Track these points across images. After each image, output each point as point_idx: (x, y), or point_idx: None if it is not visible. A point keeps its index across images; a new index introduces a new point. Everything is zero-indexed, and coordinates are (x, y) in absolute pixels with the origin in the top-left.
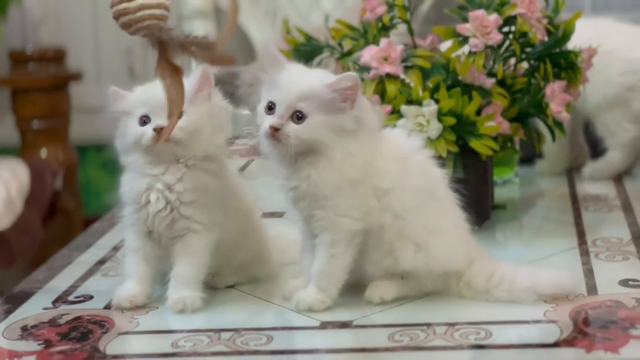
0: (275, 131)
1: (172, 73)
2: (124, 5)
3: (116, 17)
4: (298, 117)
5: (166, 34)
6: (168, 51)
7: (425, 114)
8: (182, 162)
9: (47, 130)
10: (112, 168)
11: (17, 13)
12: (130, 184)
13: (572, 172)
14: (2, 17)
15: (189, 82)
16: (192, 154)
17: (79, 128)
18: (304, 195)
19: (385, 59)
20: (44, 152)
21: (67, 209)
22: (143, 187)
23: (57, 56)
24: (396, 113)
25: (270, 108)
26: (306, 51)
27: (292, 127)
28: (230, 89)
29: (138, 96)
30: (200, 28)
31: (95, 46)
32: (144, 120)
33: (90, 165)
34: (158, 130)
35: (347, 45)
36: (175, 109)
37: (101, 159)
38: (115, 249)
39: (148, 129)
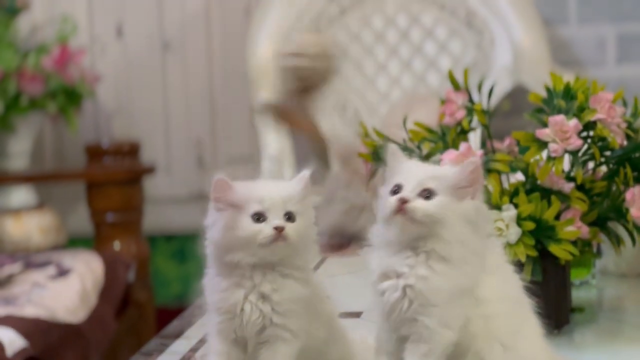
0: (403, 204)
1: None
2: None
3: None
4: (426, 196)
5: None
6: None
7: (505, 219)
8: (277, 271)
9: (121, 223)
10: (181, 258)
11: (90, 106)
12: (224, 294)
13: None
14: (77, 110)
15: (295, 186)
16: (294, 260)
17: (149, 218)
18: (415, 297)
19: None
20: (117, 245)
21: (139, 301)
22: (240, 297)
23: (132, 150)
24: None
25: (396, 192)
26: (384, 153)
27: (420, 202)
28: None
29: (252, 192)
30: (272, 122)
31: (166, 138)
32: (258, 217)
33: (159, 255)
34: (279, 230)
35: (426, 148)
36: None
37: (170, 249)
38: (193, 350)
39: (267, 227)
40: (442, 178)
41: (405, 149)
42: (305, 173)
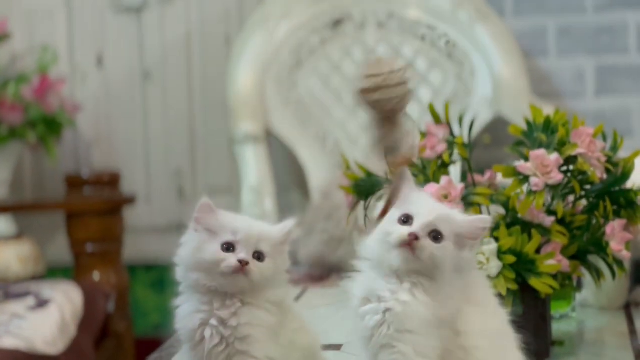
0: (413, 240)
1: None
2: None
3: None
4: (435, 236)
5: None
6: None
7: (485, 252)
8: (237, 299)
9: (100, 253)
10: (160, 288)
11: (70, 135)
12: (184, 321)
13: (630, 307)
14: (57, 139)
15: (277, 230)
16: (255, 295)
17: (129, 248)
18: (392, 321)
19: (446, 197)
20: (96, 275)
21: (119, 332)
22: (197, 323)
23: (112, 180)
24: None
25: (405, 222)
26: (366, 186)
27: (429, 243)
28: None
29: (230, 222)
30: (252, 153)
31: (146, 168)
32: (227, 247)
33: (139, 285)
34: (243, 264)
35: None
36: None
37: (149, 279)
38: None
39: (232, 258)
40: (453, 223)
41: (388, 182)
42: (290, 223)
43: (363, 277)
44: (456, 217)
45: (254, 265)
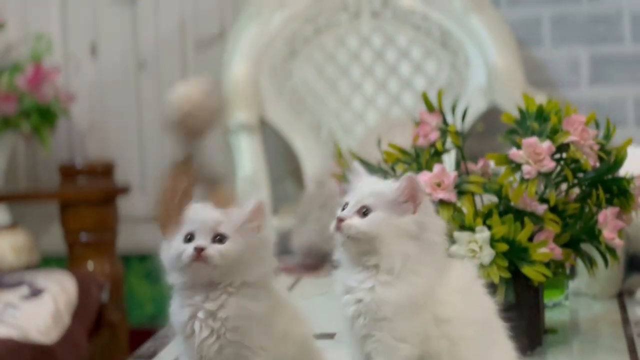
0: (339, 222)
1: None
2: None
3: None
4: (364, 212)
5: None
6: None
7: (478, 241)
8: (220, 289)
9: (94, 243)
10: (155, 278)
11: (64, 125)
12: (175, 314)
13: (623, 296)
14: (51, 129)
15: (241, 211)
16: (228, 280)
17: (123, 238)
18: (366, 311)
19: (439, 185)
20: (90, 265)
21: (113, 322)
22: (186, 316)
23: (106, 170)
24: (449, 239)
25: (344, 208)
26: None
27: (355, 219)
28: None
29: (191, 213)
30: (246, 142)
31: (140, 157)
32: (188, 237)
33: (133, 275)
34: (198, 250)
35: (400, 169)
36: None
37: (144, 269)
38: None
39: (189, 247)
40: (380, 194)
41: (381, 170)
42: (256, 200)
43: (341, 270)
44: (386, 188)
45: (212, 249)
